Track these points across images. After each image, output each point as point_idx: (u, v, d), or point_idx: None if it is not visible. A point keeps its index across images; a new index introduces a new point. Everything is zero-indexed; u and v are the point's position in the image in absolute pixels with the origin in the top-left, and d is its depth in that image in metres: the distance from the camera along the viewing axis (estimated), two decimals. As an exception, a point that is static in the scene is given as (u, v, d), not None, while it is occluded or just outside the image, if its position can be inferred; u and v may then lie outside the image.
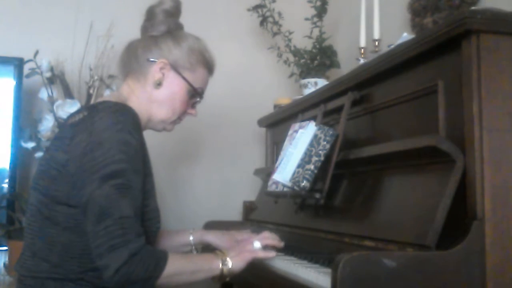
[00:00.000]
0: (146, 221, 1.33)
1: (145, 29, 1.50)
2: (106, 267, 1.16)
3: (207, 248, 1.72)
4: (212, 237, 1.66)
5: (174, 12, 1.51)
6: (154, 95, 1.45)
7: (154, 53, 1.44)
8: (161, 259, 1.23)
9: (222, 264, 1.33)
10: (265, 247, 1.49)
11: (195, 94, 1.49)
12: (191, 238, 1.66)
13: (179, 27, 1.52)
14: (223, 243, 1.62)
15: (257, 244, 1.46)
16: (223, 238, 1.64)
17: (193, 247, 1.67)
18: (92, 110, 1.31)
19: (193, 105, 1.53)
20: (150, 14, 1.50)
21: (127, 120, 1.28)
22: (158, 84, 1.44)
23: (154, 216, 1.36)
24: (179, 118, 1.52)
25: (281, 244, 1.54)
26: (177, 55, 1.45)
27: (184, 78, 1.45)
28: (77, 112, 1.39)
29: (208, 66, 1.52)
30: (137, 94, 1.45)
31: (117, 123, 1.26)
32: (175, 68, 1.45)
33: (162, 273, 1.21)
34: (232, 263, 1.34)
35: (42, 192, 1.31)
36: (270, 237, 1.53)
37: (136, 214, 1.22)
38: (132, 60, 1.47)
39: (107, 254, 1.16)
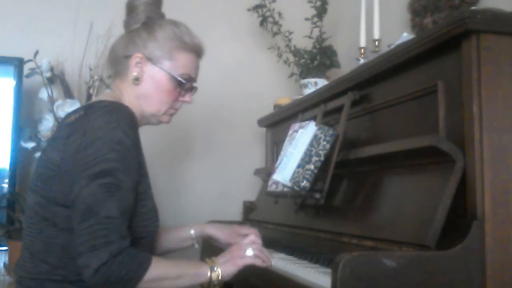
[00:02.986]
0: (145, 221, 1.32)
1: (126, 24, 1.48)
2: (86, 266, 1.15)
3: (208, 242, 1.72)
4: (213, 230, 1.65)
5: (153, 2, 1.47)
6: (138, 91, 1.42)
7: (130, 49, 1.42)
8: (143, 262, 1.21)
9: (210, 271, 1.29)
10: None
11: (181, 82, 1.44)
12: (192, 231, 1.64)
13: (160, 16, 1.48)
14: (224, 236, 1.62)
15: (249, 252, 1.39)
16: (225, 231, 1.63)
17: (195, 241, 1.65)
18: (88, 109, 1.31)
19: (184, 93, 1.47)
20: (130, 8, 1.47)
21: (122, 119, 1.27)
22: (136, 80, 1.41)
23: (152, 216, 1.36)
24: (173, 108, 1.47)
25: (267, 258, 1.42)
26: (152, 47, 1.41)
27: (162, 69, 1.41)
28: (74, 111, 1.38)
29: (191, 49, 1.45)
30: (125, 93, 1.44)
31: (111, 122, 1.25)
32: (151, 60, 1.41)
33: (144, 276, 1.19)
34: (222, 269, 1.31)
35: (39, 193, 1.30)
36: (258, 243, 1.45)
37: (123, 215, 1.20)
38: (113, 60, 1.47)
39: (87, 253, 1.15)
